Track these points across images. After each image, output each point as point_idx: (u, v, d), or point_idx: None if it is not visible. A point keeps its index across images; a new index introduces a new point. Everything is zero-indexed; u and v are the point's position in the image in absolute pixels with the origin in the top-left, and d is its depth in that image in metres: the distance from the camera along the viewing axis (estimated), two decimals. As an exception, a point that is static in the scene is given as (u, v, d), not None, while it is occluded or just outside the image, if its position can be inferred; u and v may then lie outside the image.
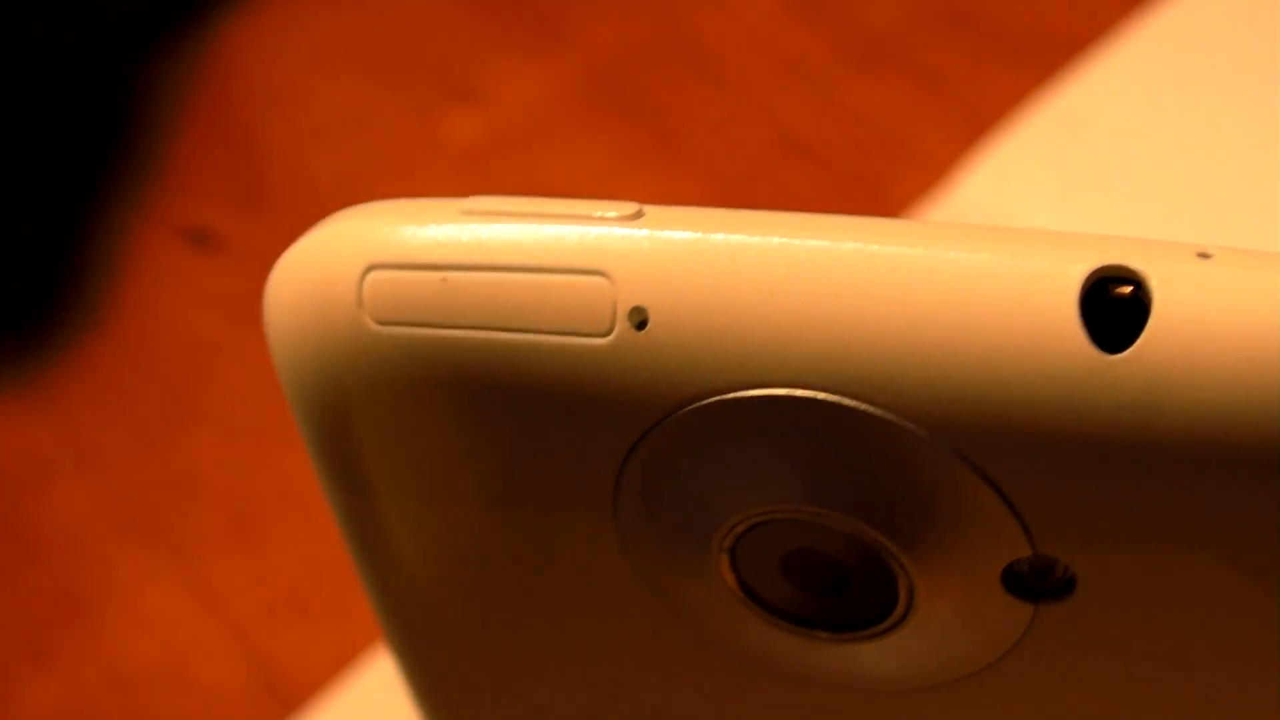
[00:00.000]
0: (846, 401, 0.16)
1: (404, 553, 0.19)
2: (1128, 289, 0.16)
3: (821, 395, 0.16)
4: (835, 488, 0.17)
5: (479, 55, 0.54)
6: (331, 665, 0.44)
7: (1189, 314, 0.15)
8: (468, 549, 0.19)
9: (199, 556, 0.46)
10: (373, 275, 0.17)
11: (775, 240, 0.16)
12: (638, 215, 0.17)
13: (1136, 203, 0.45)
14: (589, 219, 0.17)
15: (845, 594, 0.18)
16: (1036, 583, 0.17)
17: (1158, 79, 0.47)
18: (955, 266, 0.16)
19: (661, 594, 0.19)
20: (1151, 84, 0.47)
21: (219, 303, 0.50)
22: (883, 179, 0.48)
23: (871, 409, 0.16)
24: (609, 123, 0.51)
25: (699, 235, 0.16)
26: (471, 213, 0.17)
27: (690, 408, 0.17)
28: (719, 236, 0.16)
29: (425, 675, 0.21)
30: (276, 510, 0.46)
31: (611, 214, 0.17)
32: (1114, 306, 0.16)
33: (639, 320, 0.16)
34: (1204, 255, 0.16)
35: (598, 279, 0.17)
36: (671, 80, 0.51)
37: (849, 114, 0.49)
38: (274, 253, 0.47)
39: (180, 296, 0.51)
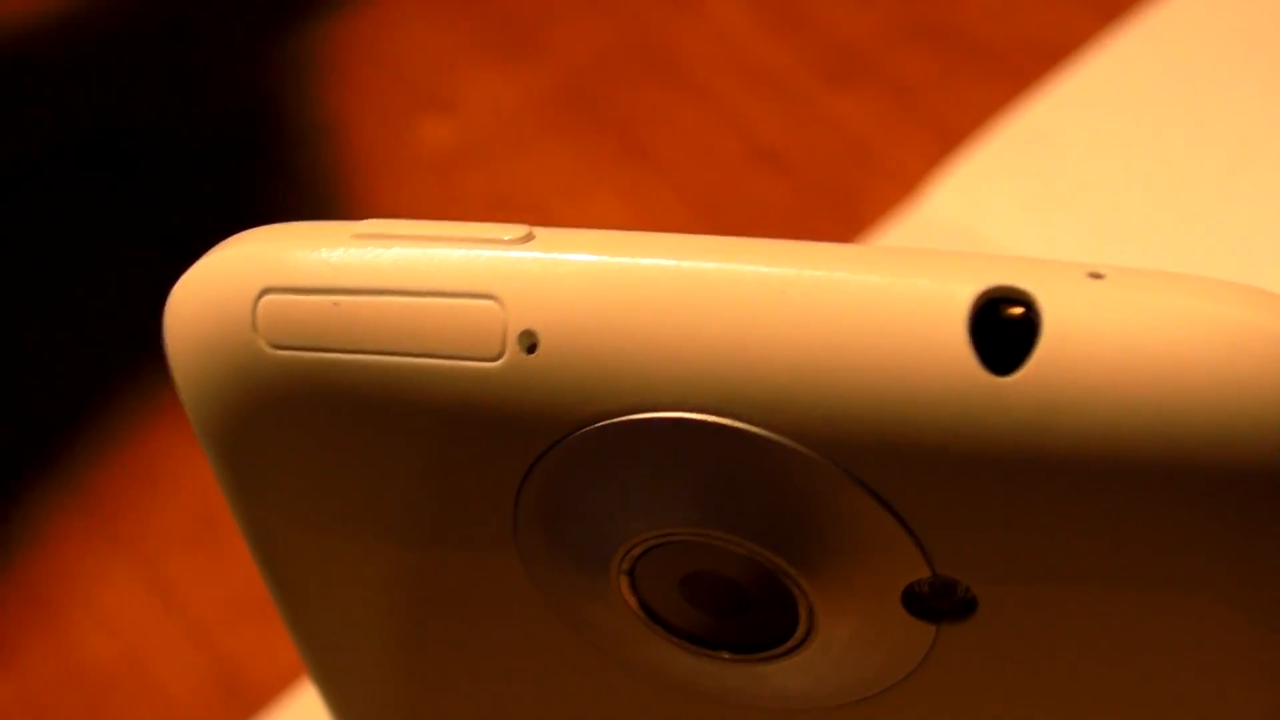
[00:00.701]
0: (737, 424, 0.16)
1: (308, 575, 0.19)
2: (1019, 310, 0.15)
3: (712, 418, 0.16)
4: (730, 511, 0.17)
5: (452, 63, 0.54)
6: (292, 665, 0.44)
7: (1079, 334, 0.15)
8: (370, 571, 0.19)
9: (161, 555, 0.46)
10: (266, 299, 0.17)
11: (664, 263, 0.16)
12: (528, 238, 0.17)
13: (1104, 216, 0.45)
14: (479, 242, 0.17)
15: (746, 615, 0.18)
16: (937, 603, 0.17)
17: (1128, 94, 0.47)
18: (845, 288, 0.16)
19: (566, 616, 0.19)
20: (1121, 99, 0.47)
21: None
22: (852, 190, 0.48)
23: (763, 432, 0.16)
24: (580, 131, 0.51)
25: (589, 258, 0.16)
26: (363, 236, 0.17)
27: (582, 431, 0.17)
28: (609, 259, 0.16)
29: (337, 696, 0.21)
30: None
31: (503, 237, 0.17)
32: (1005, 327, 0.15)
33: (529, 344, 0.16)
34: (1095, 275, 0.15)
35: (488, 303, 0.16)
36: (643, 90, 0.51)
37: (819, 125, 0.49)
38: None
39: (151, 298, 0.51)
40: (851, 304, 0.16)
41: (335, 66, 0.55)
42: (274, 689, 0.43)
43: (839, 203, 0.48)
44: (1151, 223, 0.44)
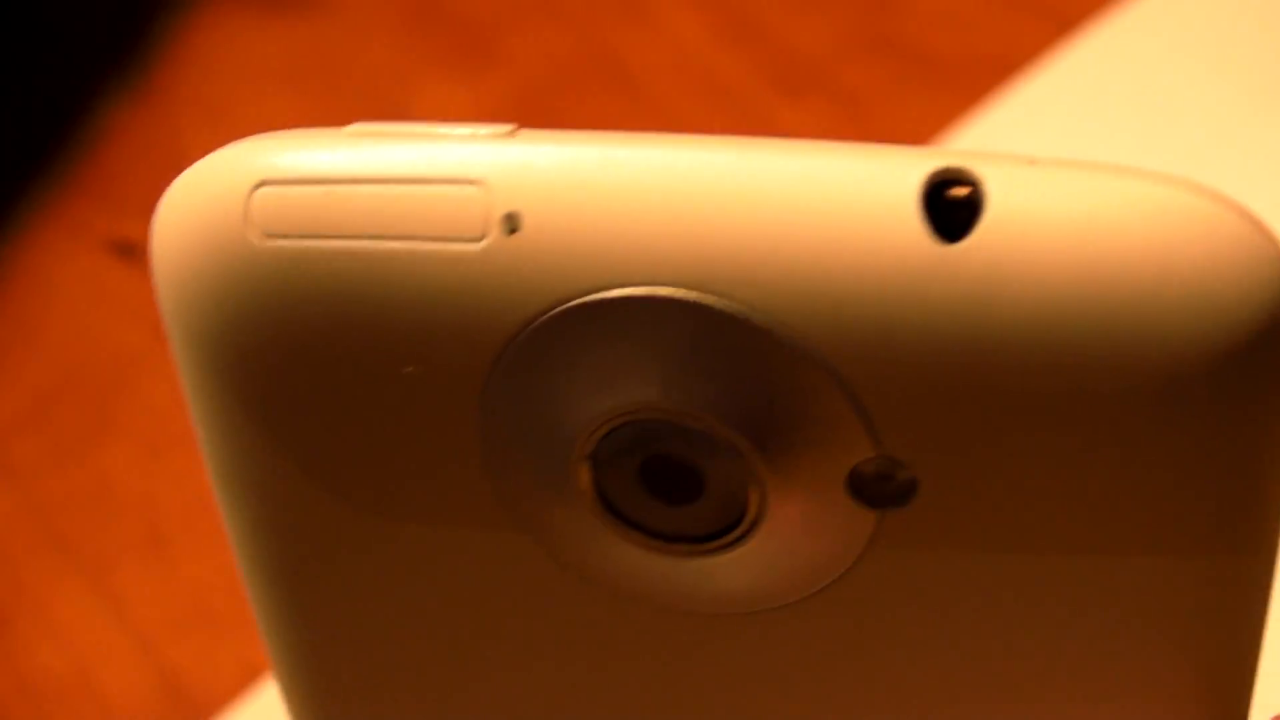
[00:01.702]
0: (701, 298, 0.17)
1: (275, 482, 0.19)
2: (965, 190, 0.16)
3: (679, 293, 0.17)
4: (691, 385, 0.17)
5: (408, 73, 0.54)
6: (237, 676, 0.44)
7: (1022, 208, 0.16)
8: (343, 479, 0.19)
9: (110, 568, 0.46)
10: (261, 192, 0.18)
11: (639, 151, 0.17)
12: (512, 133, 0.18)
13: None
14: (466, 137, 0.18)
15: (699, 501, 0.18)
16: (880, 487, 0.18)
17: (1079, 106, 0.48)
18: (804, 170, 0.17)
19: (523, 518, 0.19)
20: (1072, 111, 0.48)
21: (141, 315, 0.50)
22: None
23: (725, 304, 0.17)
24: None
25: (568, 148, 0.17)
26: (355, 135, 0.18)
27: (557, 310, 0.17)
28: (587, 149, 0.17)
29: (287, 606, 0.21)
30: (188, 522, 0.46)
31: (485, 132, 0.18)
32: (952, 209, 0.16)
33: (511, 226, 0.17)
34: (1033, 162, 0.17)
35: (472, 187, 0.17)
36: (598, 101, 0.52)
37: (772, 136, 0.50)
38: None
39: (103, 308, 0.51)
40: (810, 183, 0.17)
41: (294, 74, 0.55)
42: (218, 700, 0.43)
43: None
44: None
